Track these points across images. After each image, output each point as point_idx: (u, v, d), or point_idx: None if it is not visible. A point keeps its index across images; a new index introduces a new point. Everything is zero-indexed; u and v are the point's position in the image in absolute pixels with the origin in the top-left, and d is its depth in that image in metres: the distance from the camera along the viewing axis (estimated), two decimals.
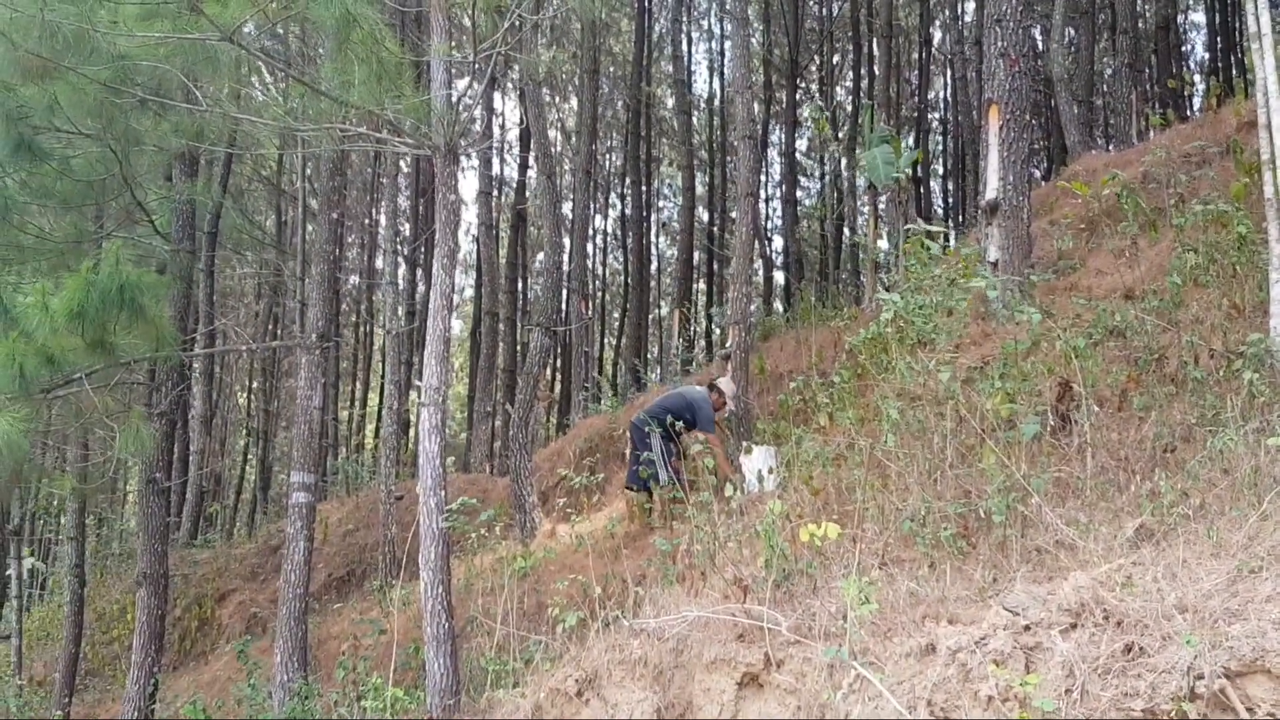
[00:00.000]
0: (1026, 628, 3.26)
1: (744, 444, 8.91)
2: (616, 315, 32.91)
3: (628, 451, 9.69)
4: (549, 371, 29.74)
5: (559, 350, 27.75)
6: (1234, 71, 21.23)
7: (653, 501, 8.69)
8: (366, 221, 27.75)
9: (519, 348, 23.93)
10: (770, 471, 7.97)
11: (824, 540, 4.41)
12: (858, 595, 3.72)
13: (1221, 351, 5.56)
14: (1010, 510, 4.33)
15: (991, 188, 8.38)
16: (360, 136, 7.00)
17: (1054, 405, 5.50)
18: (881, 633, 3.87)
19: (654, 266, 31.91)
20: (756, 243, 25.93)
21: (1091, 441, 4.93)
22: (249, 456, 27.67)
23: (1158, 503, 4.11)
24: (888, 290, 8.16)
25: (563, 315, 22.61)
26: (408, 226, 26.03)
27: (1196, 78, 23.86)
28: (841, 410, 6.76)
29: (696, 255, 29.14)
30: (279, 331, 25.58)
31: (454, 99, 6.63)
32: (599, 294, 32.39)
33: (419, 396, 6.45)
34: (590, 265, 31.48)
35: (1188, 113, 18.45)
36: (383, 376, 23.74)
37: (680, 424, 8.44)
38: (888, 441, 5.03)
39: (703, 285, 31.40)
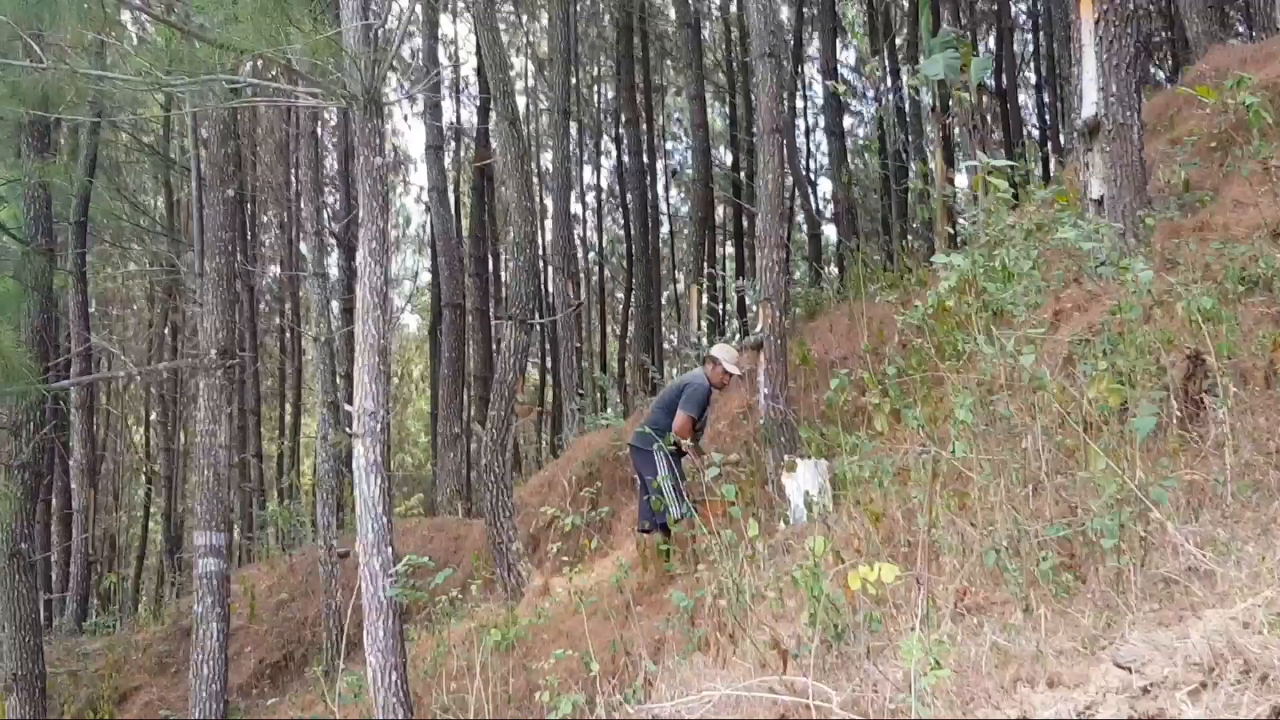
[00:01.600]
0: (1145, 689, 3.23)
1: (785, 459, 8.89)
2: (620, 296, 32.92)
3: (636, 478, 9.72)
4: (535, 375, 29.85)
5: (544, 347, 27.87)
6: None
7: (670, 541, 8.70)
8: (286, 195, 27.74)
9: (494, 347, 23.97)
10: (820, 493, 7.96)
11: (883, 585, 4.40)
12: (924, 656, 3.69)
13: None
14: (1125, 530, 4.30)
15: (1089, 102, 8.30)
16: (253, 88, 7.00)
17: (1180, 387, 5.45)
18: (961, 704, 3.84)
19: (665, 229, 31.93)
20: (794, 191, 25.98)
21: (1232, 432, 4.89)
22: (150, 511, 27.76)
23: None
24: (959, 244, 8.13)
25: (545, 302, 22.71)
26: (336, 198, 26.08)
27: None
28: (908, 407, 6.72)
29: (720, 211, 29.14)
30: (179, 345, 25.67)
31: (374, 31, 6.62)
32: (595, 270, 32.42)
33: (352, 425, 6.45)
34: (582, 234, 31.55)
35: None
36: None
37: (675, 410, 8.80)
38: (955, 450, 5.00)
39: (730, 249, 31.38)
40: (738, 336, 16.19)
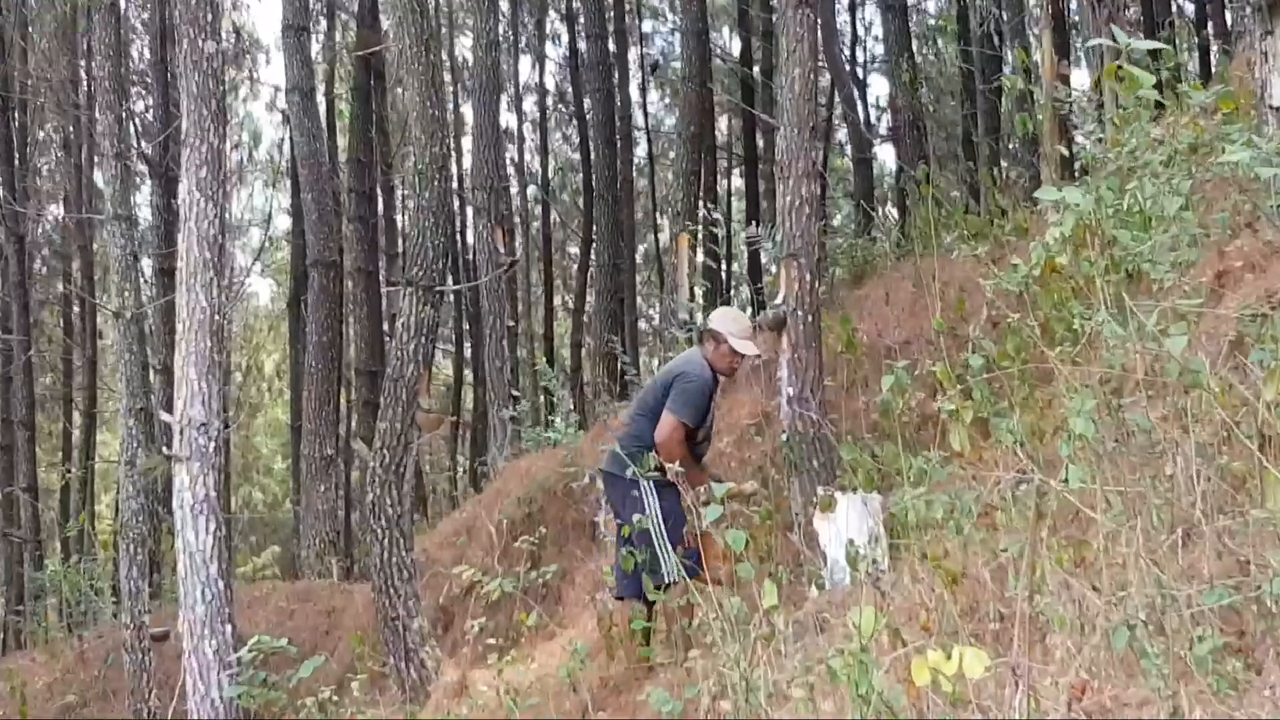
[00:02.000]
0: None
1: (819, 493, 8.90)
2: (574, 252, 32.82)
3: (604, 520, 9.66)
4: (448, 369, 29.73)
5: (461, 327, 27.77)
6: None
7: (653, 616, 8.67)
8: (72, 100, 27.47)
9: (385, 327, 23.94)
10: (872, 542, 7.98)
11: (961, 679, 4.42)
12: None
13: None
14: None
15: None
16: None
17: None
18: None
19: (641, 151, 31.81)
20: (833, 94, 25.90)
21: None
22: None
23: None
24: (1077, 173, 8.11)
25: (462, 260, 22.66)
26: (149, 104, 25.90)
27: None
28: (1000, 416, 6.75)
29: (723, 124, 29.11)
30: None
31: None
32: (538, 213, 32.32)
33: (172, 442, 6.44)
34: (517, 158, 31.48)
35: None
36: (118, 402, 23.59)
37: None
38: (1069, 478, 5.01)
39: (737, 182, 31.35)
40: (749, 310, 16.20)
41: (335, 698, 10.10)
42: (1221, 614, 4.66)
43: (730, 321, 9.10)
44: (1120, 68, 5.62)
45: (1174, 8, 25.87)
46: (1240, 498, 5.20)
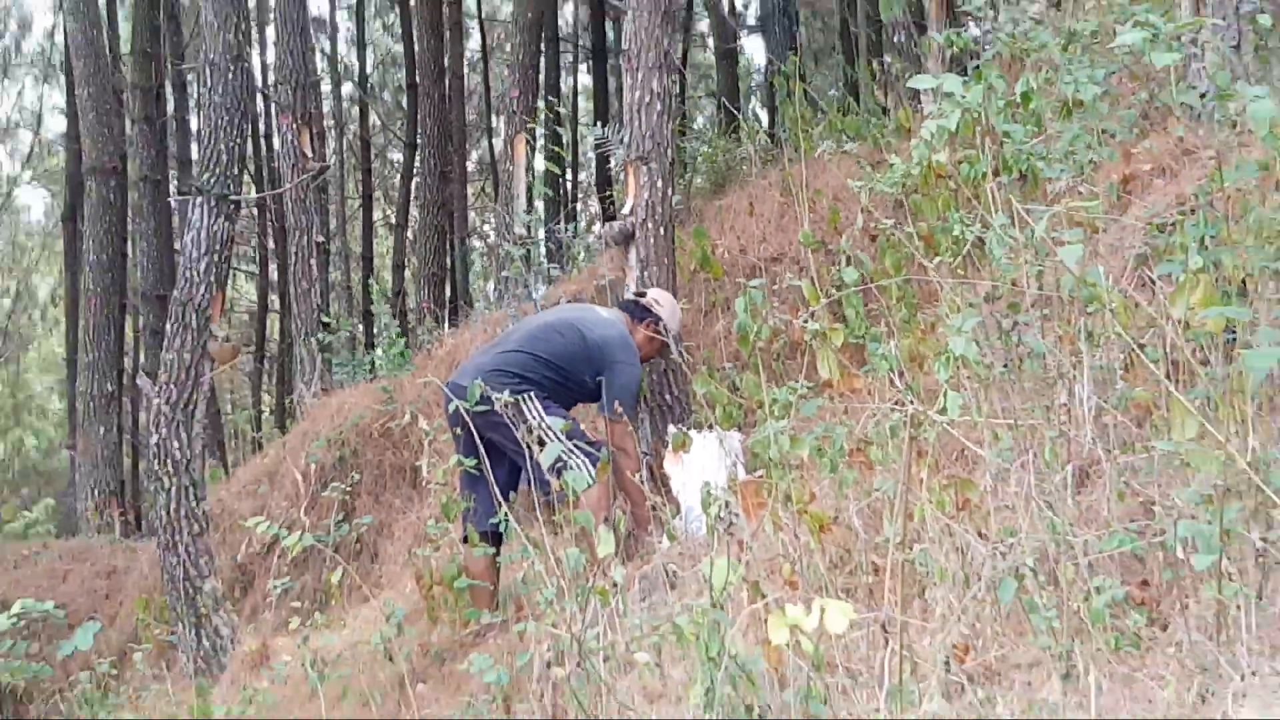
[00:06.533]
0: None
1: (671, 430, 8.89)
2: (397, 159, 32.69)
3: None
4: (249, 291, 29.49)
5: (264, 245, 27.55)
6: None
7: (494, 574, 8.60)
8: None
9: (174, 244, 23.67)
10: (732, 485, 7.96)
11: (828, 637, 4.40)
12: None
13: None
14: (1232, 539, 4.35)
15: None
16: None
17: None
18: None
19: (474, 43, 31.72)
20: None
21: None
22: None
23: None
24: (964, 60, 8.11)
25: (265, 166, 22.46)
26: None
27: None
28: (875, 340, 6.76)
29: (569, 9, 29.05)
30: None
31: None
32: (353, 113, 32.15)
33: None
34: (329, 47, 31.24)
35: None
36: None
37: (575, 386, 8.48)
38: (951, 408, 5.00)
39: (584, 79, 31.30)
40: (597, 225, 16.14)
41: (115, 670, 9.99)
42: (1122, 562, 4.67)
43: (672, 317, 9.07)
44: None
45: None
46: (1144, 430, 5.23)
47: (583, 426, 8.43)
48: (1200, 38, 7.41)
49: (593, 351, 8.50)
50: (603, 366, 8.42)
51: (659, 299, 9.01)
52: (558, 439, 7.84)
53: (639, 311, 8.91)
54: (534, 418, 8.08)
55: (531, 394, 8.11)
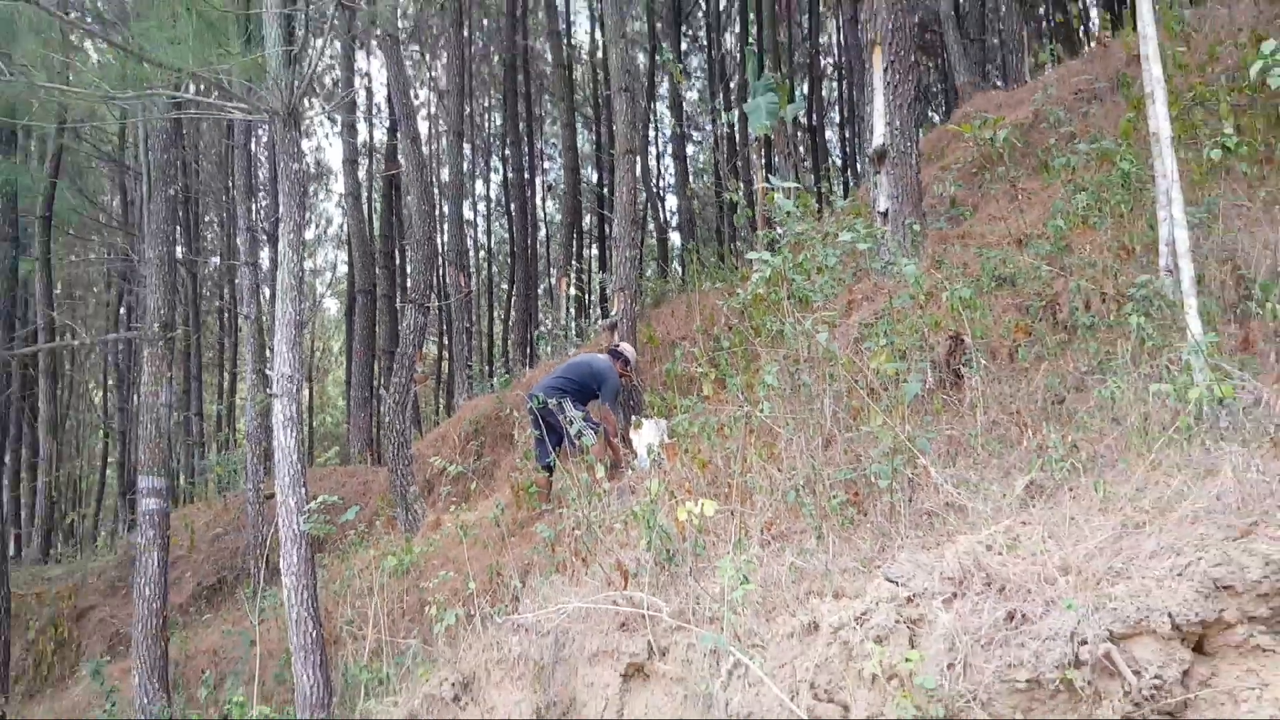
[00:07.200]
0: (910, 599, 3.26)
1: (634, 419, 8.85)
2: (504, 287, 32.57)
3: (529, 434, 9.43)
4: (435, 350, 29.41)
5: (441, 327, 27.46)
6: (1124, 1, 21.67)
7: (550, 484, 8.55)
8: (225, 198, 26.91)
9: (398, 326, 23.50)
10: (661, 446, 7.94)
11: (705, 517, 4.38)
12: (736, 574, 3.69)
13: (1113, 295, 5.64)
14: (897, 473, 4.35)
15: (878, 134, 8.41)
16: (190, 103, 6.71)
17: (944, 360, 5.55)
18: (765, 612, 3.85)
19: (542, 234, 31.64)
20: (648, 204, 25.93)
21: (983, 396, 4.97)
22: (108, 460, 26.74)
23: (1047, 458, 4.15)
24: (772, 248, 8.16)
25: (442, 290, 22.36)
26: (267, 200, 25.32)
27: (1093, 10, 24.32)
28: (730, 376, 6.73)
29: (587, 220, 29.01)
30: (132, 322, 24.72)
31: (294, 56, 6.39)
32: (485, 265, 32.04)
33: (271, 386, 6.23)
34: (474, 236, 31.12)
35: (1082, 47, 18.76)
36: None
37: (588, 394, 8.50)
38: (764, 409, 5.01)
39: (595, 250, 31.24)
40: (599, 319, 16.11)
41: (365, 529, 9.90)
42: (845, 484, 4.66)
43: (631, 352, 9.15)
44: (774, 192, 5.68)
45: (829, 159, 26.11)
46: (856, 421, 5.22)
47: (591, 414, 8.40)
48: (882, 235, 7.44)
49: (596, 376, 8.59)
50: (601, 383, 8.51)
51: (627, 350, 9.04)
52: (579, 420, 7.92)
53: (617, 356, 8.91)
54: (569, 410, 8.14)
55: (567, 399, 8.16)
